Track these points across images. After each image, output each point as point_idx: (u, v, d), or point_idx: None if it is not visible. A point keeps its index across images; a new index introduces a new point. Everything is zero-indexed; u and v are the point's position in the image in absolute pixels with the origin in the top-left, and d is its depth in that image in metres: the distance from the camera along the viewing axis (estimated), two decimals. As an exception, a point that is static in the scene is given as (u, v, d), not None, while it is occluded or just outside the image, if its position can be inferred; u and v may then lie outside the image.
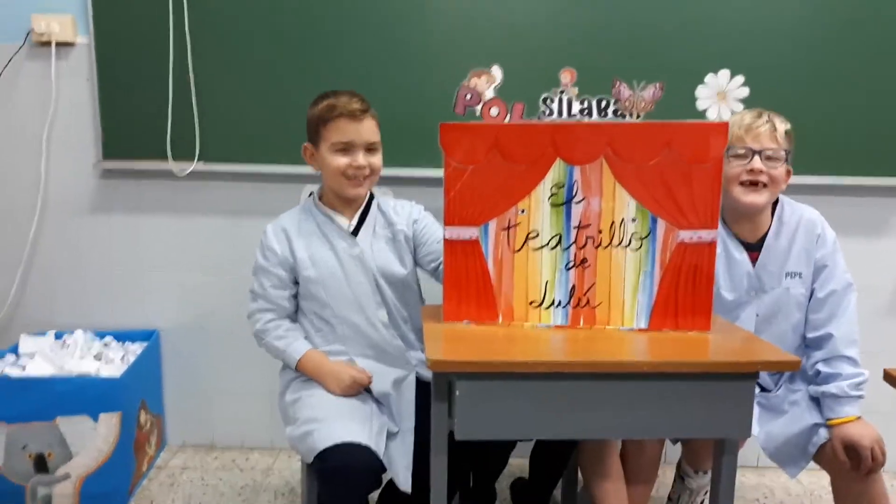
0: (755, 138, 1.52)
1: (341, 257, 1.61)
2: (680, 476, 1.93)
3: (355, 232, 1.63)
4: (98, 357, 2.10)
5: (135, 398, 2.06)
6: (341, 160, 1.56)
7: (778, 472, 2.23)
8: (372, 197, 1.69)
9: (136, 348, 2.19)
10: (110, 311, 2.28)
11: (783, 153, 1.54)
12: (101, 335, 2.23)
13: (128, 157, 2.15)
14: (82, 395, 1.92)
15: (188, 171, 2.11)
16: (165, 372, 2.32)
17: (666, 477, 2.06)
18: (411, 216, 1.69)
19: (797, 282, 1.59)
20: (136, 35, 2.07)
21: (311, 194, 1.72)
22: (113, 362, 2.08)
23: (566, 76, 1.34)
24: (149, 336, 2.25)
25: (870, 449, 1.43)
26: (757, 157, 1.53)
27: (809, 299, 1.60)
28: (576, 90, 1.34)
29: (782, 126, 1.55)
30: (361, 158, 1.57)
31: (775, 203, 1.62)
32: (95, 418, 1.93)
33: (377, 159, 1.61)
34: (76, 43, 2.13)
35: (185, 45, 2.05)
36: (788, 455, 1.56)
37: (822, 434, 1.50)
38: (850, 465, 1.46)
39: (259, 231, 1.69)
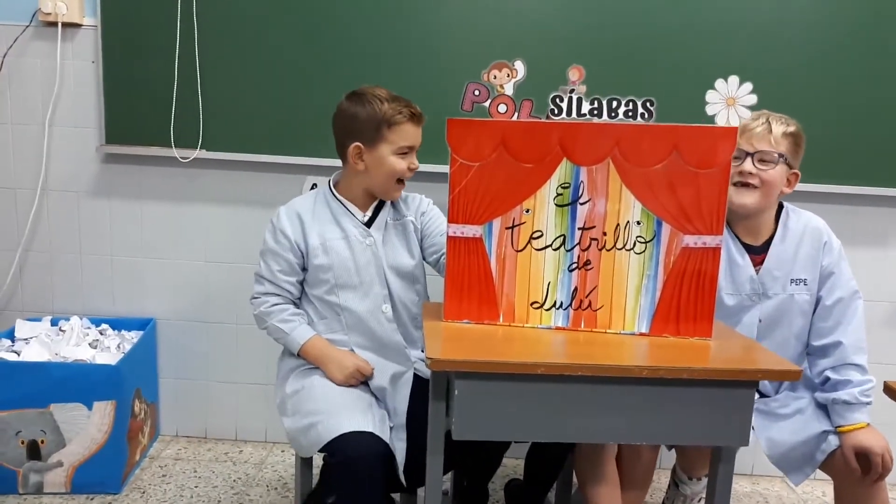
0: (748, 140, 1.52)
1: (354, 247, 1.61)
2: (674, 482, 1.93)
3: (369, 224, 1.63)
4: (94, 345, 2.08)
5: (130, 387, 2.05)
6: (402, 164, 1.58)
7: (772, 480, 2.24)
8: None
9: (133, 336, 2.18)
10: (108, 298, 2.28)
11: (777, 156, 1.52)
12: (98, 322, 2.22)
13: (131, 142, 2.14)
14: (77, 383, 1.91)
15: (191, 159, 2.10)
16: (161, 361, 2.31)
17: (661, 482, 2.05)
18: (420, 208, 1.70)
19: (802, 288, 1.58)
20: (143, 19, 2.06)
21: (312, 185, 1.71)
22: (109, 350, 2.07)
23: (574, 73, 1.34)
24: (145, 324, 2.23)
25: (881, 456, 1.43)
26: (749, 159, 1.52)
27: (815, 307, 1.59)
28: (584, 88, 1.33)
29: (780, 128, 1.52)
30: (416, 161, 1.61)
31: (780, 210, 1.61)
32: (90, 406, 1.93)
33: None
34: (83, 24, 2.12)
35: (193, 32, 2.04)
36: (794, 462, 1.55)
37: (833, 441, 1.50)
38: (860, 472, 1.45)
39: (259, 221, 1.68)
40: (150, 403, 2.24)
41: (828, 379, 1.53)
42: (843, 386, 1.51)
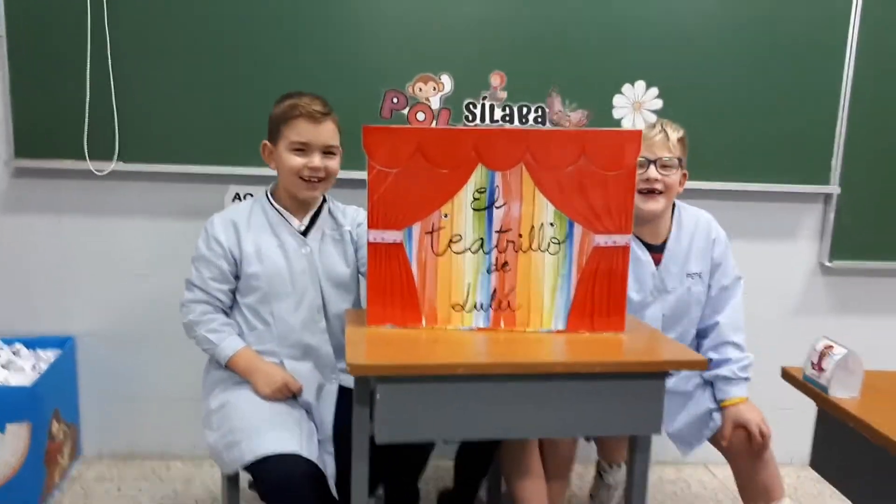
0: (649, 148, 1.59)
1: (289, 255, 1.59)
2: (598, 473, 2.00)
3: (305, 233, 1.62)
4: (6, 365, 1.99)
5: (46, 408, 1.97)
6: (297, 160, 1.55)
7: (695, 467, 2.34)
8: (325, 200, 1.69)
9: (49, 356, 2.09)
10: (22, 317, 2.18)
11: (676, 160, 1.62)
12: (10, 342, 2.12)
13: (42, 155, 2.05)
14: (-12, 406, 1.82)
15: (107, 171, 2.04)
16: (82, 379, 2.22)
17: (589, 474, 2.11)
18: (356, 219, 1.70)
19: (697, 281, 1.68)
20: (52, 27, 1.98)
21: (242, 196, 1.69)
22: (23, 371, 1.98)
23: (496, 79, 1.37)
24: (63, 343, 2.15)
25: (757, 428, 1.56)
26: (652, 166, 1.60)
27: None
28: (504, 94, 1.36)
29: (675, 134, 1.62)
30: (317, 160, 1.56)
31: (673, 207, 1.71)
32: (2, 429, 1.84)
33: (334, 163, 1.60)
34: (-13, 35, 2.03)
35: (105, 38, 1.98)
36: (685, 436, 1.69)
37: (717, 419, 1.63)
38: (736, 442, 1.59)
39: (181, 232, 1.65)
40: (70, 424, 2.16)
41: (710, 359, 1.65)
42: (723, 363, 1.64)
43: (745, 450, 1.59)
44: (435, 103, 1.37)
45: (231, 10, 2.01)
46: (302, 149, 1.56)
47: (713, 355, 1.65)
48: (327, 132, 1.58)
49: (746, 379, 1.63)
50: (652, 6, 2.08)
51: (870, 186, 2.23)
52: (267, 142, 1.61)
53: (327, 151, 1.58)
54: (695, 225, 1.69)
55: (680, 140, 1.63)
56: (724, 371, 1.63)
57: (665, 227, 1.68)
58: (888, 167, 2.23)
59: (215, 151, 2.06)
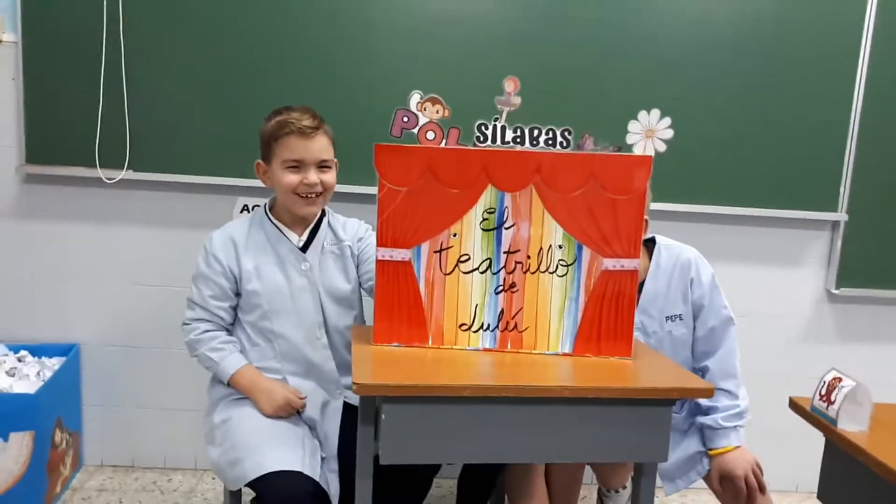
0: None
1: (288, 272, 1.59)
2: (600, 498, 1.98)
3: (305, 248, 1.62)
4: (11, 372, 1.99)
5: (50, 416, 1.97)
6: (292, 178, 1.55)
7: (699, 492, 2.32)
8: (323, 214, 1.68)
9: (54, 363, 2.09)
10: (28, 324, 2.18)
11: None
12: (16, 349, 2.12)
13: (53, 162, 2.07)
14: (-8, 413, 1.82)
15: (117, 179, 2.05)
16: (85, 388, 2.22)
17: (592, 496, 2.10)
18: (357, 234, 1.69)
19: (679, 324, 1.63)
20: (67, 36, 2.01)
21: (250, 208, 1.69)
22: (27, 378, 1.98)
23: (510, 84, 1.38)
24: (68, 350, 2.15)
25: (743, 479, 1.52)
26: None
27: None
28: (518, 99, 1.37)
29: None
30: (313, 176, 1.55)
31: (654, 246, 1.65)
32: (6, 437, 1.84)
33: (330, 177, 1.59)
34: (3, 40, 2.04)
35: (120, 48, 2.00)
36: (671, 473, 1.65)
37: (706, 464, 1.60)
38: (726, 493, 1.55)
39: (188, 243, 1.66)
40: (73, 432, 2.15)
41: (700, 404, 1.61)
42: (711, 411, 1.59)
43: (735, 499, 1.55)
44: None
45: (244, 24, 2.03)
46: (296, 166, 1.55)
47: (703, 402, 1.60)
48: (320, 147, 1.56)
49: (736, 427, 1.57)
50: (660, 33, 2.09)
51: (878, 214, 2.23)
52: (260, 161, 1.61)
53: (322, 165, 1.57)
54: (674, 264, 1.62)
55: None
56: (708, 420, 1.58)
57: (642, 266, 1.61)
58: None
59: (224, 163, 2.07)
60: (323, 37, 2.04)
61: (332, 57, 2.05)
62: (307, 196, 1.56)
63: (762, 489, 1.55)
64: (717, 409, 1.58)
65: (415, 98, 1.39)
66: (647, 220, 1.59)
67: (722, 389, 1.58)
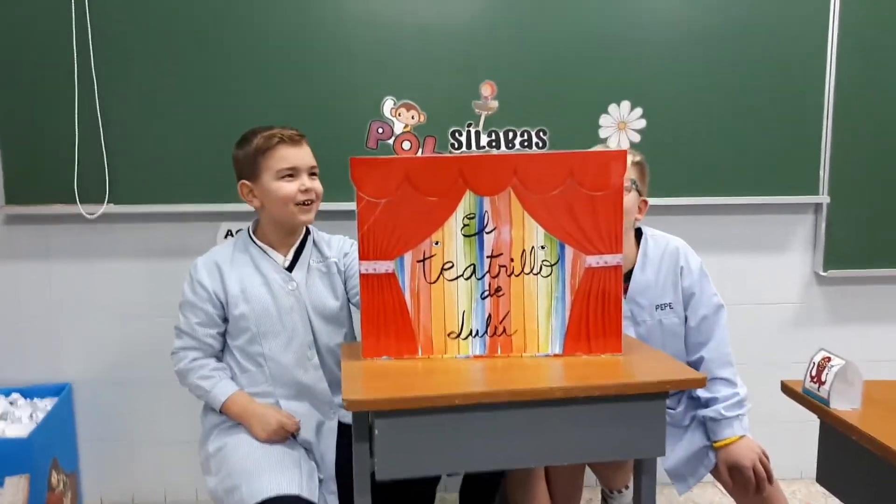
0: None
1: (275, 293, 1.58)
2: (604, 499, 1.96)
3: (290, 268, 1.61)
4: (3, 416, 1.97)
5: (45, 458, 1.94)
6: (289, 187, 1.54)
7: (704, 487, 2.31)
8: (308, 232, 1.67)
9: (46, 404, 2.07)
10: (18, 366, 2.16)
11: (630, 181, 1.57)
12: (7, 392, 2.10)
13: (33, 201, 2.06)
14: (-16, 459, 1.80)
15: (98, 214, 2.04)
16: (80, 426, 2.20)
17: (597, 498, 2.08)
18: (342, 249, 1.69)
19: (669, 312, 1.63)
20: (38, 69, 2.00)
21: (234, 232, 1.69)
22: (20, 421, 1.96)
23: (487, 88, 1.38)
24: (60, 390, 2.13)
25: (751, 468, 1.51)
26: None
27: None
28: (496, 104, 1.37)
29: (629, 158, 1.56)
30: (308, 182, 1.56)
31: (641, 236, 1.66)
32: (1, 483, 1.81)
33: (319, 185, 1.60)
34: (-29, 85, 2.04)
35: (92, 82, 2.00)
36: (681, 472, 1.63)
37: (712, 458, 1.58)
38: (736, 485, 1.53)
39: (175, 272, 1.65)
40: (70, 473, 2.12)
41: (699, 396, 1.60)
42: (711, 403, 1.58)
43: (745, 489, 1.54)
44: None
45: (217, 51, 2.03)
46: (291, 174, 1.55)
47: (702, 394, 1.59)
48: (308, 154, 1.59)
49: (739, 416, 1.56)
50: (634, 23, 2.10)
51: (859, 195, 2.24)
52: (245, 181, 1.59)
53: (312, 173, 1.59)
54: (662, 254, 1.63)
55: (635, 164, 1.59)
56: (710, 412, 1.57)
57: (629, 255, 1.62)
58: (876, 174, 2.23)
59: (205, 189, 2.06)
60: (295, 54, 2.04)
61: (305, 73, 2.05)
62: (305, 203, 1.56)
63: (770, 478, 1.54)
64: (717, 399, 1.57)
65: (388, 104, 1.39)
66: (646, 201, 1.60)
67: (720, 378, 1.58)
